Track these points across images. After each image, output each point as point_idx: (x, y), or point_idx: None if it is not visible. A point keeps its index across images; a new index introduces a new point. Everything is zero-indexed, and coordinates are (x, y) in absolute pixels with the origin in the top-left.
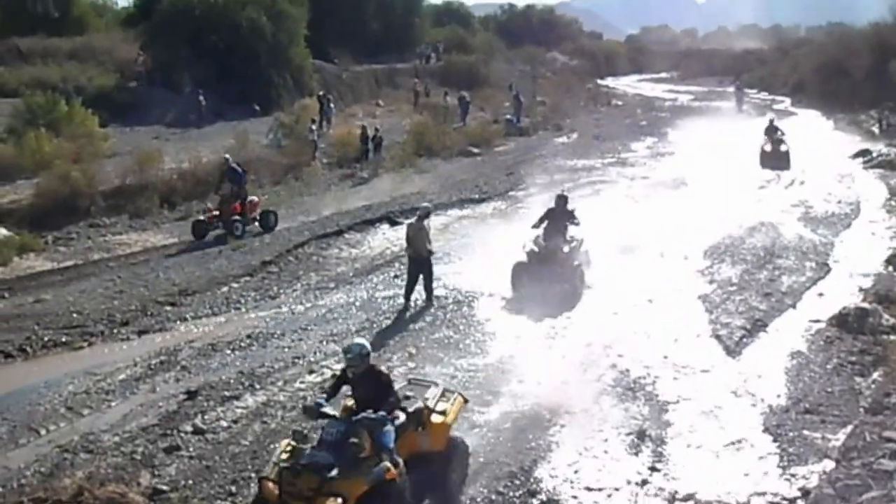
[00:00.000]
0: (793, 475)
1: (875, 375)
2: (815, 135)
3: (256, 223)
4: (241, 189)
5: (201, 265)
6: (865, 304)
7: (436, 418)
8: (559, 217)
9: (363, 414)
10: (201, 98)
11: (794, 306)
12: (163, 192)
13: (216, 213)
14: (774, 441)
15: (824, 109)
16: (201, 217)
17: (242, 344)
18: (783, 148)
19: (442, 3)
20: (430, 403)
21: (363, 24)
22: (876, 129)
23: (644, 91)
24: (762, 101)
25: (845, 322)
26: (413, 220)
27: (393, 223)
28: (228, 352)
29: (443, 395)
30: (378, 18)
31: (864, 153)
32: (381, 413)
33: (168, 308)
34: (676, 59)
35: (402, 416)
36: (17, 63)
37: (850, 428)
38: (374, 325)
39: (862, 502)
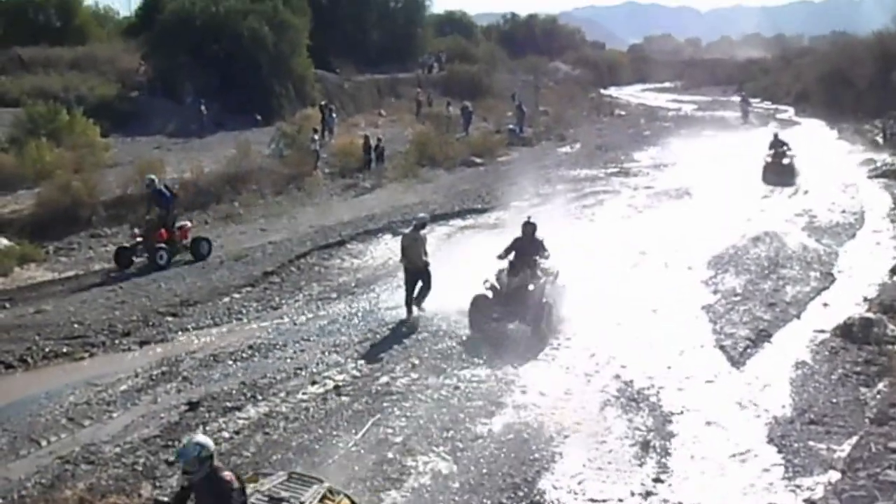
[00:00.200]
0: (798, 486)
1: (880, 386)
2: (819, 144)
3: (188, 251)
4: (169, 213)
5: (203, 276)
6: (870, 315)
7: None
8: (527, 248)
9: None
10: (203, 108)
11: (798, 316)
12: None
13: (140, 239)
14: (779, 452)
15: (828, 119)
16: (126, 244)
17: (244, 355)
18: (785, 161)
19: (444, 12)
20: None
21: (365, 34)
22: (880, 139)
23: (647, 101)
24: (765, 111)
25: (850, 332)
26: (408, 230)
27: (395, 233)
28: (230, 363)
29: (325, 497)
30: (380, 28)
31: (868, 162)
32: None
33: (169, 318)
34: (680, 68)
35: None
36: (18, 72)
37: (855, 439)
38: (377, 336)
39: None
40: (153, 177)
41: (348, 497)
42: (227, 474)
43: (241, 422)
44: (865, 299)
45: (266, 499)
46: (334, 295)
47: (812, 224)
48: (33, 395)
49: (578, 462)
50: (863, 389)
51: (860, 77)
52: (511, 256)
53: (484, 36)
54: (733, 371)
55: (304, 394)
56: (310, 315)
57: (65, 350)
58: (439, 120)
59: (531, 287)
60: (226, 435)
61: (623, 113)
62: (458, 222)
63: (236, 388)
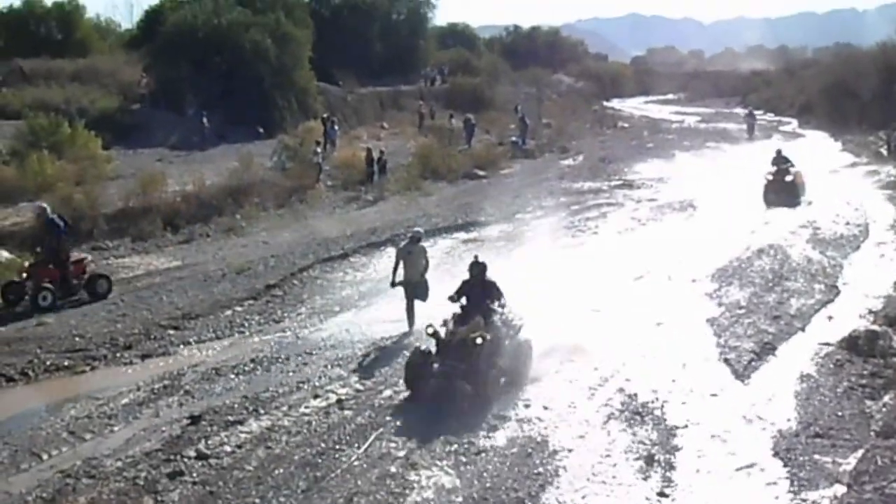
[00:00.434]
0: (803, 500)
1: (886, 399)
2: (823, 156)
3: (83, 290)
4: (61, 247)
5: (205, 289)
6: (876, 327)
7: None
8: (478, 292)
9: None
10: (205, 120)
11: (803, 329)
12: (166, 214)
13: (25, 275)
14: (784, 466)
15: (832, 131)
16: (15, 278)
17: (246, 368)
18: (788, 178)
19: (447, 25)
20: None
21: (368, 47)
22: (884, 151)
23: (650, 113)
24: (769, 123)
25: (855, 345)
26: (404, 243)
27: (398, 246)
28: (232, 376)
29: None
30: (383, 41)
31: (872, 174)
32: None
33: (171, 332)
34: (683, 80)
35: None
36: (20, 84)
37: (861, 452)
38: (380, 349)
39: None
40: (44, 205)
41: None
42: None
43: (243, 436)
44: (871, 312)
45: None
46: (337, 308)
47: (816, 236)
48: (34, 409)
49: (582, 476)
50: (868, 402)
51: (864, 89)
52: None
53: (487, 48)
54: (738, 384)
55: (306, 407)
56: (312, 328)
57: (66, 363)
58: (442, 132)
59: (479, 340)
60: (227, 449)
61: (626, 125)
62: (462, 235)
63: (238, 401)
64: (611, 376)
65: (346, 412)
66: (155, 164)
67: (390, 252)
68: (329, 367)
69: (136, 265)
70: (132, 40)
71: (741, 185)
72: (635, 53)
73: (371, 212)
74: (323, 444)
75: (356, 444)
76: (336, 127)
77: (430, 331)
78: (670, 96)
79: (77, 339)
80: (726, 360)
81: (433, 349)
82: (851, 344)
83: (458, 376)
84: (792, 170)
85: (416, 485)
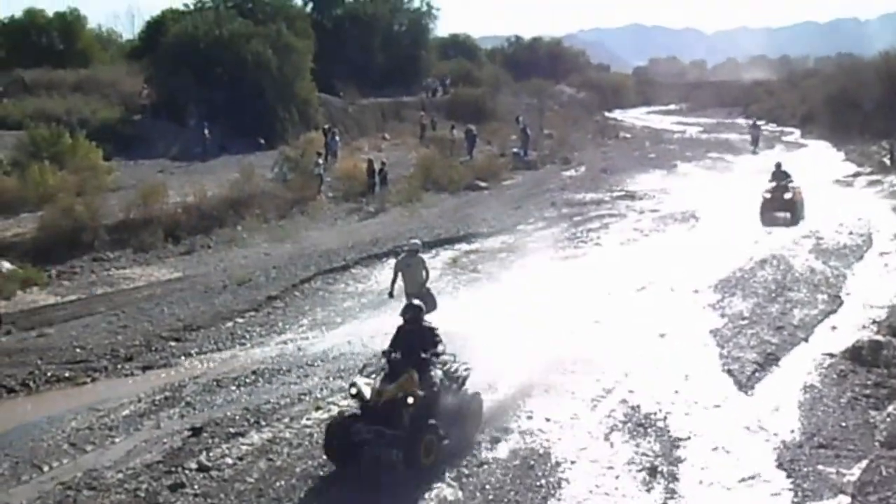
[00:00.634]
0: None
1: (890, 409)
2: (826, 166)
3: None
4: None
5: (206, 300)
6: (879, 337)
7: None
8: (412, 341)
9: None
10: (206, 131)
11: (806, 340)
12: (167, 226)
13: None
14: (788, 477)
15: (835, 140)
16: None
17: (248, 380)
18: (788, 195)
19: (448, 36)
20: None
21: (369, 58)
22: (887, 160)
23: (652, 123)
24: (771, 133)
25: (859, 355)
26: (402, 256)
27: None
28: (233, 388)
29: None
30: (384, 52)
31: (875, 184)
32: None
33: (172, 343)
34: (685, 90)
35: None
36: (21, 95)
37: (865, 462)
38: (382, 361)
39: None
40: None
41: None
42: None
43: (244, 448)
44: (874, 322)
45: None
46: (339, 320)
47: (819, 246)
48: (35, 420)
49: (585, 488)
50: (872, 413)
51: (866, 98)
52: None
53: (488, 59)
54: (741, 395)
55: (308, 419)
56: (314, 340)
57: (67, 375)
58: (443, 143)
59: (411, 399)
60: (229, 461)
61: (628, 136)
62: (464, 246)
63: (240, 413)
64: (613, 388)
65: None
66: (156, 175)
67: (392, 263)
68: (331, 378)
69: (137, 276)
70: (134, 51)
71: (743, 196)
72: (637, 64)
73: (372, 223)
74: (324, 457)
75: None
76: (337, 138)
77: (353, 390)
78: (672, 107)
79: (78, 350)
80: (729, 371)
81: (358, 412)
82: (855, 354)
83: (386, 444)
84: (791, 186)
85: (418, 496)
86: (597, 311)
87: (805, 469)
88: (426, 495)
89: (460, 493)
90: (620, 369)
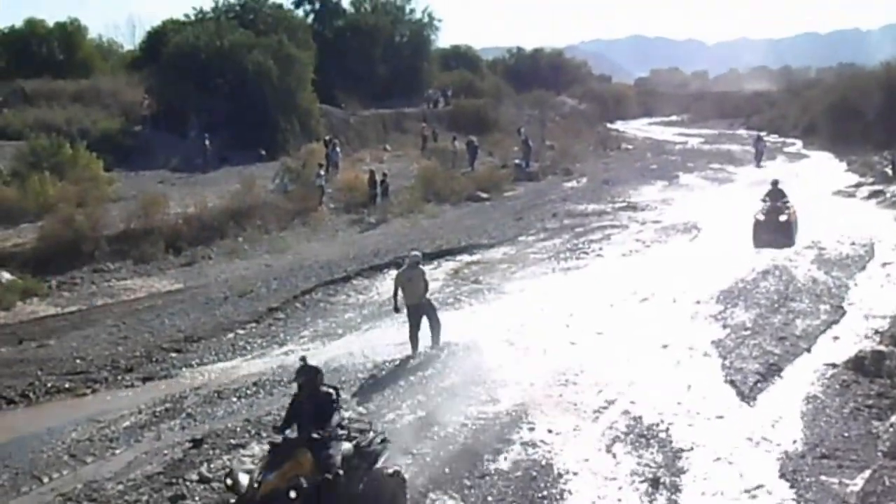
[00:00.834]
0: None
1: (893, 419)
2: (828, 176)
3: None
4: None
5: (207, 311)
6: (882, 347)
7: None
8: (307, 412)
9: None
10: (207, 142)
11: (809, 350)
12: (168, 237)
13: None
14: (791, 487)
15: (836, 151)
16: None
17: (249, 391)
18: (783, 217)
19: (450, 47)
20: None
21: (371, 69)
22: (889, 170)
23: (654, 134)
24: (772, 144)
25: (862, 365)
26: (403, 268)
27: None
28: (234, 399)
29: None
30: (386, 63)
31: (877, 194)
32: None
33: (173, 354)
34: (686, 101)
35: None
36: (21, 105)
37: (868, 473)
38: (382, 373)
39: None
40: None
41: None
42: None
43: (245, 459)
44: (877, 332)
45: None
46: (340, 331)
47: (822, 256)
48: (35, 431)
49: (587, 499)
50: (875, 423)
51: (868, 108)
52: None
53: (490, 70)
54: (743, 406)
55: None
56: (315, 351)
57: (67, 386)
58: (445, 155)
59: (294, 494)
60: None
61: (630, 147)
62: (465, 258)
63: (241, 424)
64: (615, 399)
65: None
66: (157, 186)
67: (393, 275)
68: None
69: (137, 287)
70: (134, 61)
71: (745, 206)
72: (639, 75)
73: (374, 234)
74: None
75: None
76: (338, 149)
77: (229, 481)
78: (674, 118)
79: (78, 361)
80: (732, 382)
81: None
82: (857, 364)
83: None
84: (787, 207)
85: None
86: (599, 322)
87: (808, 480)
88: None
89: None
90: (623, 380)
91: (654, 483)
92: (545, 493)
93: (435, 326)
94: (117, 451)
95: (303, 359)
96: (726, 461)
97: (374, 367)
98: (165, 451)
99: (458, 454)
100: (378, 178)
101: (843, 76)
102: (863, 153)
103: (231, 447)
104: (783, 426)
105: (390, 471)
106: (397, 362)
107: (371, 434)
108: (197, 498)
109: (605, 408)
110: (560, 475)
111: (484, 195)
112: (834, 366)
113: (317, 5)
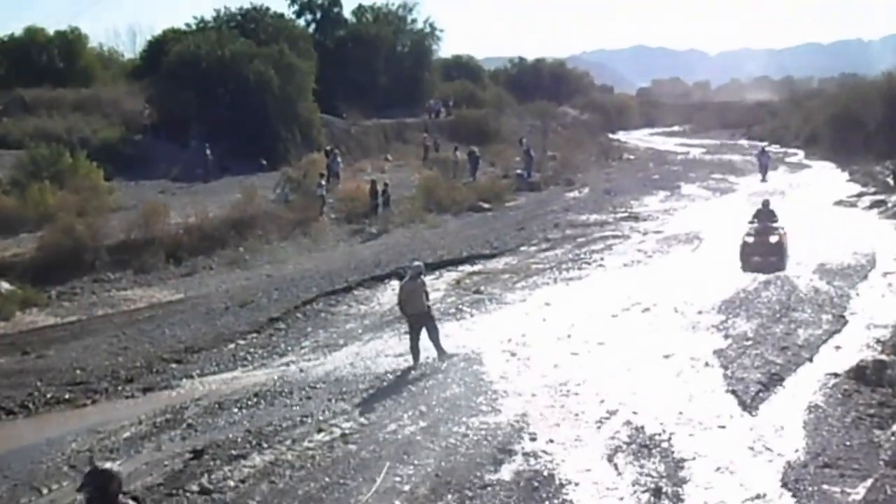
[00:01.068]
0: None
1: (895, 428)
2: (830, 186)
3: None
4: None
5: (207, 322)
6: (884, 357)
7: None
8: None
9: None
10: (208, 152)
11: (810, 360)
12: (169, 247)
13: None
14: (794, 496)
15: (838, 161)
16: None
17: (250, 402)
18: (773, 239)
19: (451, 57)
20: None
21: (372, 79)
22: (891, 180)
23: (656, 145)
24: (774, 154)
25: (863, 375)
26: (406, 280)
27: (402, 279)
28: (235, 410)
29: None
30: (387, 73)
31: (878, 204)
32: None
33: (174, 365)
34: (688, 111)
35: None
36: (21, 114)
37: (870, 481)
38: (384, 383)
39: None
40: None
41: None
42: None
43: (246, 470)
44: (878, 341)
45: None
46: (341, 341)
47: (823, 266)
48: (34, 442)
49: None
50: (877, 432)
51: (870, 118)
52: None
53: (491, 80)
54: (745, 415)
55: (310, 441)
56: (316, 362)
57: (67, 396)
58: (446, 165)
59: None
60: (231, 483)
61: (632, 157)
62: (467, 268)
63: (241, 435)
64: (617, 409)
65: (351, 446)
66: (157, 195)
67: (394, 285)
68: (333, 400)
69: (138, 298)
70: (135, 70)
71: (747, 216)
72: (641, 85)
73: (375, 244)
74: (327, 479)
75: (361, 478)
76: (339, 159)
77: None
78: (676, 128)
79: (78, 371)
80: (734, 392)
81: None
82: (859, 374)
83: None
84: (777, 228)
85: None
86: (600, 332)
87: (810, 489)
88: None
89: None
90: (624, 391)
91: (657, 493)
92: (547, 503)
93: (434, 337)
94: (118, 462)
95: (91, 460)
96: (728, 470)
97: (375, 377)
98: (166, 462)
99: (459, 464)
100: (379, 188)
101: (845, 86)
102: (864, 163)
103: (232, 458)
104: (785, 435)
105: None
106: (399, 373)
107: None
108: None
109: (606, 418)
110: (562, 485)
111: (485, 205)
112: (836, 375)
113: (318, 15)
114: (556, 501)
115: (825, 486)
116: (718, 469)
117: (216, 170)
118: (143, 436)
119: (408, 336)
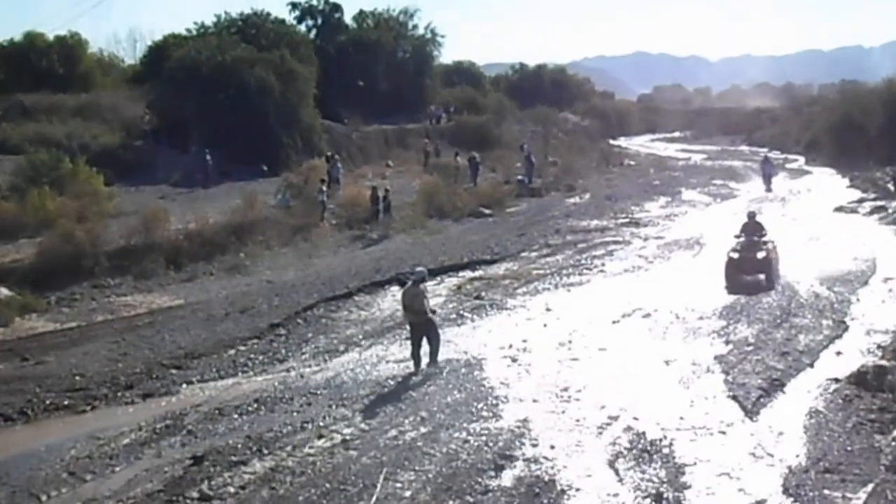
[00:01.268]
0: None
1: (895, 433)
2: (831, 192)
3: None
4: None
5: (208, 327)
6: (884, 362)
7: None
8: None
9: None
10: (208, 157)
11: (811, 365)
12: (169, 252)
13: None
14: (795, 502)
15: (839, 167)
16: None
17: (250, 408)
18: (761, 254)
19: (452, 63)
20: None
21: (373, 85)
22: (891, 186)
23: (657, 151)
24: (775, 160)
25: (864, 380)
26: (408, 285)
27: (403, 285)
28: (235, 416)
29: None
30: (388, 79)
31: (879, 210)
32: None
33: (174, 371)
34: (689, 118)
35: None
36: (20, 119)
37: (871, 486)
38: (384, 389)
39: None
40: None
41: None
42: None
43: (246, 476)
44: (879, 347)
45: None
46: (341, 347)
47: (824, 271)
48: (34, 449)
49: None
50: (878, 437)
51: (870, 125)
52: None
53: (492, 86)
54: (746, 421)
55: (310, 448)
56: (316, 368)
57: (66, 402)
58: (447, 171)
59: None
60: (231, 490)
61: (632, 163)
62: (468, 273)
63: (242, 441)
64: (618, 415)
65: (351, 452)
66: (157, 201)
67: (395, 291)
68: (333, 406)
69: (138, 303)
70: (135, 76)
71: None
72: (642, 91)
73: (376, 250)
74: (328, 485)
75: (361, 484)
76: (339, 165)
77: None
78: (676, 134)
79: (77, 378)
80: (735, 397)
81: None
82: (860, 379)
83: None
84: (765, 242)
85: None
86: (601, 338)
87: (811, 494)
88: None
89: None
90: (625, 396)
91: (658, 499)
92: None
93: (434, 344)
94: (117, 469)
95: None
96: (729, 476)
97: (376, 383)
98: (166, 469)
99: (460, 470)
100: (380, 193)
101: (846, 93)
102: (865, 169)
103: (232, 464)
104: (786, 441)
105: None
106: (399, 379)
107: None
108: None
109: (608, 423)
110: (563, 491)
111: (486, 211)
112: (836, 380)
113: (319, 20)
114: None
115: (826, 492)
116: (720, 474)
117: (216, 175)
118: (143, 442)
119: (408, 342)
